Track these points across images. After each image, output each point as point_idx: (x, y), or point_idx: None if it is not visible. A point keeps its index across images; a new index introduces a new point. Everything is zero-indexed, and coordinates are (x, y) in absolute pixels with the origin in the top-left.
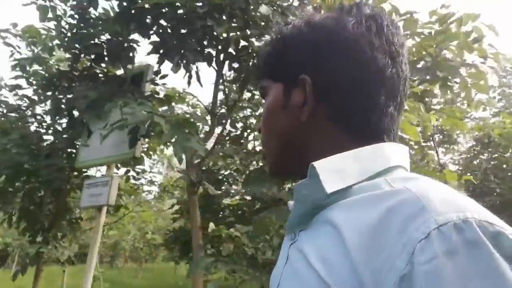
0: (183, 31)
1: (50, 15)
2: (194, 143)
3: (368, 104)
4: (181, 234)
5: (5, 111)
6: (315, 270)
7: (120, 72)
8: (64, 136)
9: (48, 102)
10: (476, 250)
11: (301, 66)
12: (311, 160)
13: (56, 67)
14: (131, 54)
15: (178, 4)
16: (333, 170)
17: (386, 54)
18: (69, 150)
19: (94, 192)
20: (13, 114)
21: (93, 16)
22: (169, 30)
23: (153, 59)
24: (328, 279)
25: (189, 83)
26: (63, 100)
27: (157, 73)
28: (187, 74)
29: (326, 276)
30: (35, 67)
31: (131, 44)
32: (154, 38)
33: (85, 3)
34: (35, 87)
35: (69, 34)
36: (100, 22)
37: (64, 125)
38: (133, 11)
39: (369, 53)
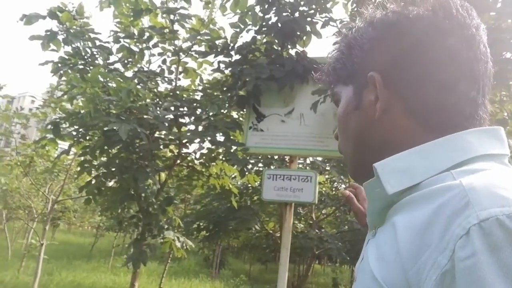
0: None
1: None
2: None
3: (443, 93)
4: None
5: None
6: (370, 267)
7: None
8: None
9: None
10: None
11: (368, 64)
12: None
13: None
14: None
15: None
16: (398, 169)
17: (459, 39)
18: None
19: (285, 186)
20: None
21: None
22: None
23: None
24: (379, 277)
25: None
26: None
27: None
28: None
29: (378, 274)
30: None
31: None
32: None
33: None
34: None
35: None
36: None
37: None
38: None
39: (438, 40)
